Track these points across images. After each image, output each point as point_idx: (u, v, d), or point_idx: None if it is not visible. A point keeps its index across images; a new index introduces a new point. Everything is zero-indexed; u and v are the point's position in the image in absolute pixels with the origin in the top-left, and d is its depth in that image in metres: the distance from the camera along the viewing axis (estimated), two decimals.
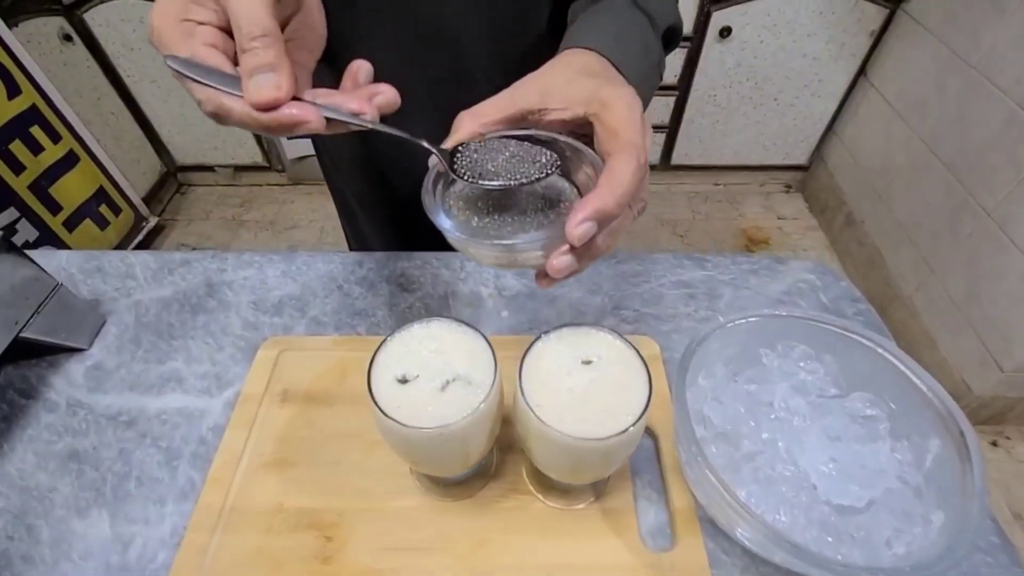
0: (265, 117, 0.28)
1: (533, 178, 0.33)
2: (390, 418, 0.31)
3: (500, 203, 0.35)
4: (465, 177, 0.33)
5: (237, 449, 0.45)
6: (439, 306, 0.57)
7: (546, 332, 0.36)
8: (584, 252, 0.31)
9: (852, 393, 0.42)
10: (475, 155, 0.34)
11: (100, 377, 0.51)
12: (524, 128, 0.35)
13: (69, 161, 1.58)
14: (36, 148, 1.49)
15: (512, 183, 0.32)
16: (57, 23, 1.60)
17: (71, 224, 1.60)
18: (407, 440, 0.33)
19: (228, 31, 0.30)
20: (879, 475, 0.37)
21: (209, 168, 2.09)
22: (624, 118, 0.32)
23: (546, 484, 0.43)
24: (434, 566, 0.39)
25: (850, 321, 0.43)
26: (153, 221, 1.91)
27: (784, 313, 0.43)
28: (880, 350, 0.41)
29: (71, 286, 0.58)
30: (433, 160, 0.35)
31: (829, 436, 0.40)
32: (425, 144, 0.33)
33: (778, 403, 0.42)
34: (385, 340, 0.36)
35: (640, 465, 0.45)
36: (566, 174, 0.37)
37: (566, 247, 0.31)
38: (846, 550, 0.35)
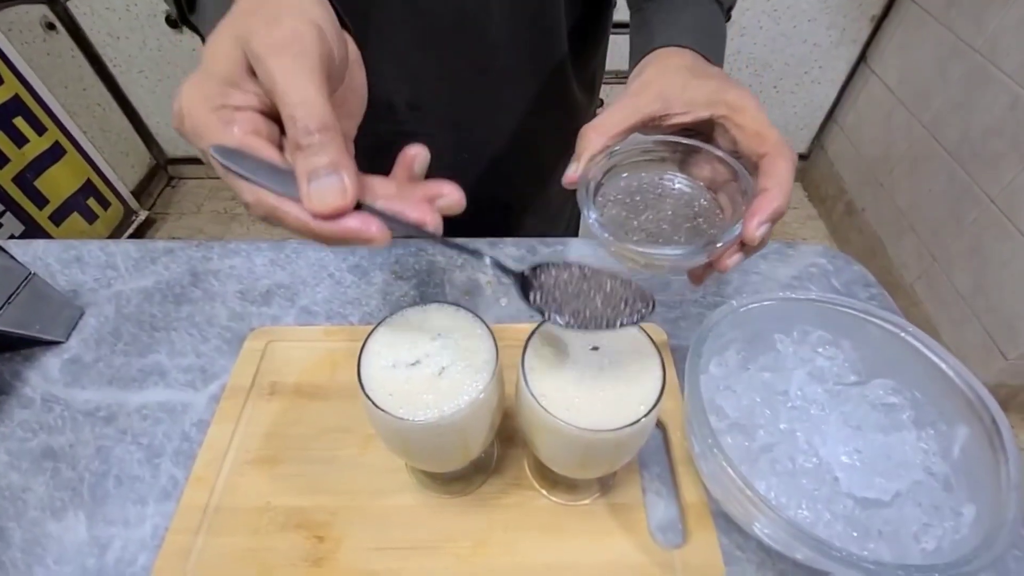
0: (325, 228, 0.25)
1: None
2: (380, 409, 0.28)
3: (643, 208, 0.37)
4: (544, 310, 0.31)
5: (222, 445, 0.42)
6: (435, 294, 0.54)
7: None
8: (752, 248, 0.33)
9: (873, 380, 0.39)
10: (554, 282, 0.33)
11: (77, 371, 0.48)
12: (646, 135, 0.37)
13: (55, 153, 1.54)
14: (20, 140, 1.45)
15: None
16: (40, 11, 1.56)
17: (58, 218, 1.57)
18: (401, 432, 0.30)
19: (270, 115, 0.27)
20: (904, 466, 0.35)
21: (200, 161, 2.05)
22: (761, 119, 0.34)
23: (550, 479, 0.40)
24: (432, 567, 0.37)
25: (869, 304, 0.41)
26: (143, 215, 1.87)
27: (800, 296, 0.41)
28: (903, 334, 0.39)
29: (48, 276, 0.55)
30: (583, 170, 0.35)
31: (850, 425, 0.37)
32: (488, 262, 0.30)
33: (794, 391, 0.40)
34: (378, 325, 0.33)
35: (648, 458, 0.42)
36: (688, 172, 0.38)
37: (735, 247, 0.33)
38: (873, 546, 0.32)
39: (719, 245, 0.32)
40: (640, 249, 0.33)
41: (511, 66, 0.53)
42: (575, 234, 0.84)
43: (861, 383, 0.40)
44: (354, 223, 0.25)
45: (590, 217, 0.33)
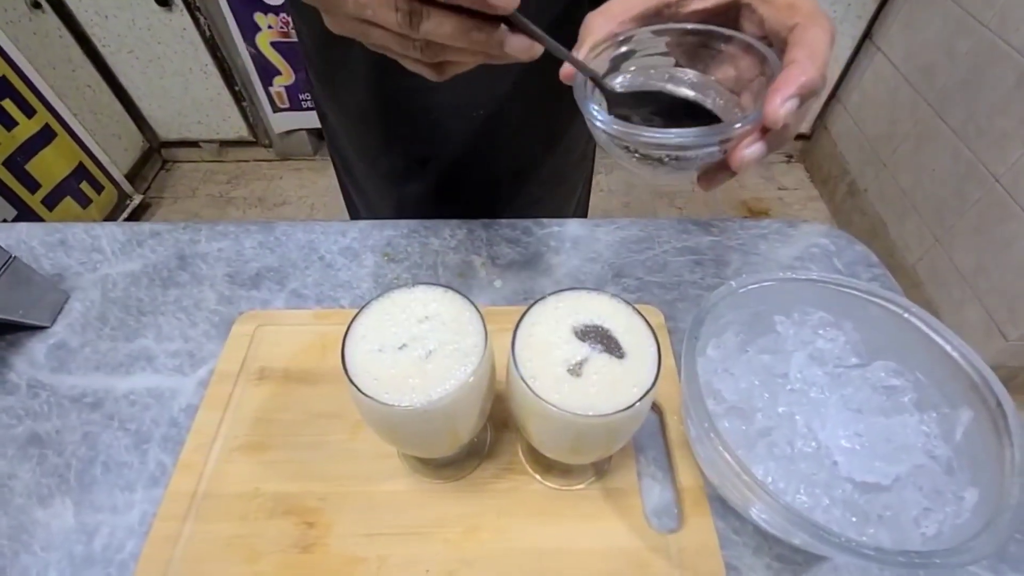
0: None
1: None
2: (365, 394, 0.27)
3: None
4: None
5: (211, 431, 0.42)
6: (428, 276, 0.53)
7: (542, 297, 0.33)
8: (775, 137, 0.28)
9: (874, 362, 0.38)
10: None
11: (63, 356, 0.47)
12: (659, 24, 0.32)
13: (45, 136, 1.51)
14: (9, 123, 1.42)
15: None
16: None
17: (51, 202, 1.55)
18: (387, 418, 0.29)
19: None
20: (906, 450, 0.34)
21: (194, 144, 2.02)
22: None
23: (544, 463, 0.40)
24: (424, 553, 0.36)
25: (871, 285, 0.40)
26: (137, 199, 1.85)
27: (801, 277, 0.40)
28: (906, 315, 0.38)
29: (32, 260, 0.54)
30: (584, 58, 0.31)
31: (850, 408, 0.37)
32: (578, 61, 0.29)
33: (794, 374, 0.39)
34: (363, 307, 0.32)
35: (644, 441, 0.42)
36: (709, 73, 0.33)
37: (754, 135, 0.28)
38: (872, 530, 0.32)
39: (737, 126, 0.27)
40: (642, 134, 0.28)
41: (529, 17, 0.50)
42: (584, 215, 0.82)
43: (862, 365, 0.39)
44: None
45: (589, 109, 0.29)
